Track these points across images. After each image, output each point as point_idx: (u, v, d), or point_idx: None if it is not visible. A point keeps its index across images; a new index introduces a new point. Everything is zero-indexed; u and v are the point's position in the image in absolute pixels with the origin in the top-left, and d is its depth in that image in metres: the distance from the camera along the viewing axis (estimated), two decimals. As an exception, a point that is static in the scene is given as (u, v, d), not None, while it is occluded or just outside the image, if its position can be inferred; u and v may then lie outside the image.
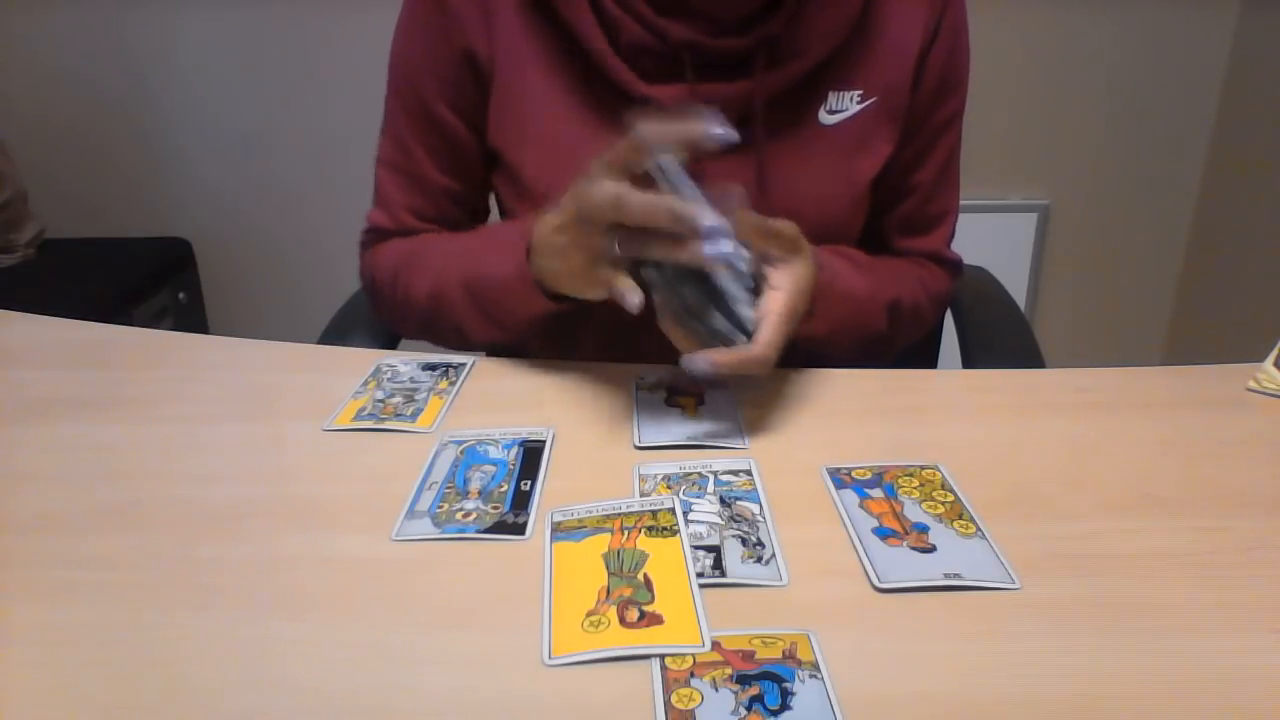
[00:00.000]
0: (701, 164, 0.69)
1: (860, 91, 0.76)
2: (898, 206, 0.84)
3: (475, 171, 0.83)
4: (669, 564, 0.50)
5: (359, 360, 0.76)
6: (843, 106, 0.76)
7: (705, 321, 0.61)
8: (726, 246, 0.57)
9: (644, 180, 0.59)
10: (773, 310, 0.62)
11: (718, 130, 0.57)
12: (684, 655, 0.44)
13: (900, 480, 0.58)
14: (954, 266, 0.88)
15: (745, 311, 0.62)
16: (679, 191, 0.58)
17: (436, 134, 0.80)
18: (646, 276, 0.61)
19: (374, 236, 0.85)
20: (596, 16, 0.72)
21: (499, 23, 0.75)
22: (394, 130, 0.82)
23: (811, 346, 0.72)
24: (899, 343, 0.83)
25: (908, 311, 0.81)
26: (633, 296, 0.60)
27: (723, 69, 0.72)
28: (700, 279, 0.61)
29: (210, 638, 0.46)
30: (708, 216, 0.56)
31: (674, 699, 0.41)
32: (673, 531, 0.53)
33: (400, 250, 0.81)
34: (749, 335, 0.61)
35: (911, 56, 0.76)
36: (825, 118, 0.76)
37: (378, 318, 0.87)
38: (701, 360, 0.60)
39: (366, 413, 0.67)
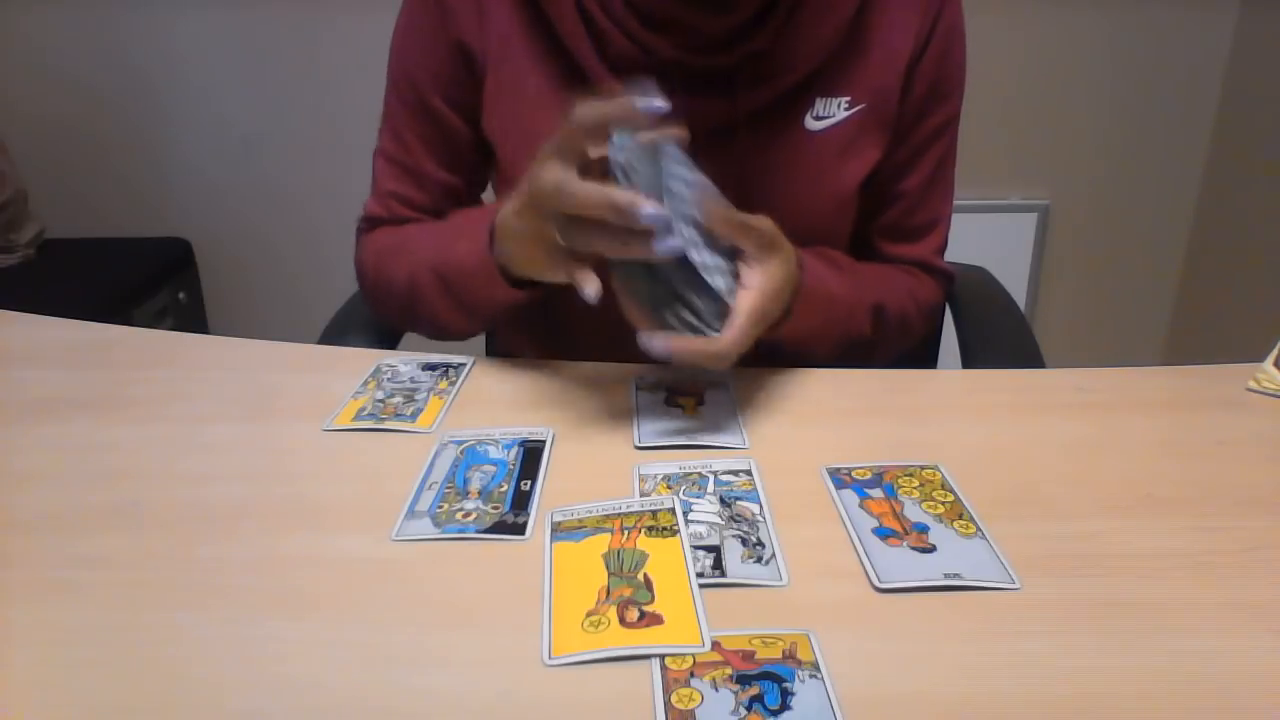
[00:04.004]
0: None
1: (848, 98, 0.76)
2: (884, 213, 0.83)
3: (468, 163, 0.83)
4: (669, 564, 0.50)
5: (359, 360, 0.76)
6: (830, 113, 0.76)
7: (672, 309, 0.60)
8: (676, 240, 0.55)
9: (601, 165, 0.57)
10: (741, 310, 0.61)
11: (652, 103, 0.55)
12: (684, 655, 0.44)
13: (900, 480, 0.58)
14: (944, 277, 0.87)
15: (721, 283, 0.60)
16: (634, 177, 0.56)
17: (431, 125, 0.81)
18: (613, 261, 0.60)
19: (368, 224, 0.86)
20: (586, 27, 0.72)
21: (492, 20, 0.76)
22: (391, 122, 0.83)
23: (791, 348, 0.72)
24: (885, 350, 0.82)
25: (893, 318, 0.80)
26: (589, 287, 0.59)
27: (710, 83, 0.72)
28: (680, 263, 0.59)
29: (210, 638, 0.46)
30: (648, 208, 0.54)
31: (674, 699, 0.41)
32: (673, 531, 0.53)
33: (386, 238, 0.82)
34: (713, 328, 0.60)
35: (901, 63, 0.76)
36: (812, 124, 0.76)
37: (366, 305, 0.87)
38: (660, 343, 0.59)
39: (366, 413, 0.67)
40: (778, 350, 0.70)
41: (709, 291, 0.60)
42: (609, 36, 0.71)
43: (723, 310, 0.61)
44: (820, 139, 0.76)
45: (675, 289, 0.60)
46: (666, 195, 0.58)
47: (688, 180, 0.60)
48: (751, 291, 0.62)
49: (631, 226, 0.55)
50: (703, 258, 0.60)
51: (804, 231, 0.69)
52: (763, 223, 0.63)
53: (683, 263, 0.59)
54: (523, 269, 0.67)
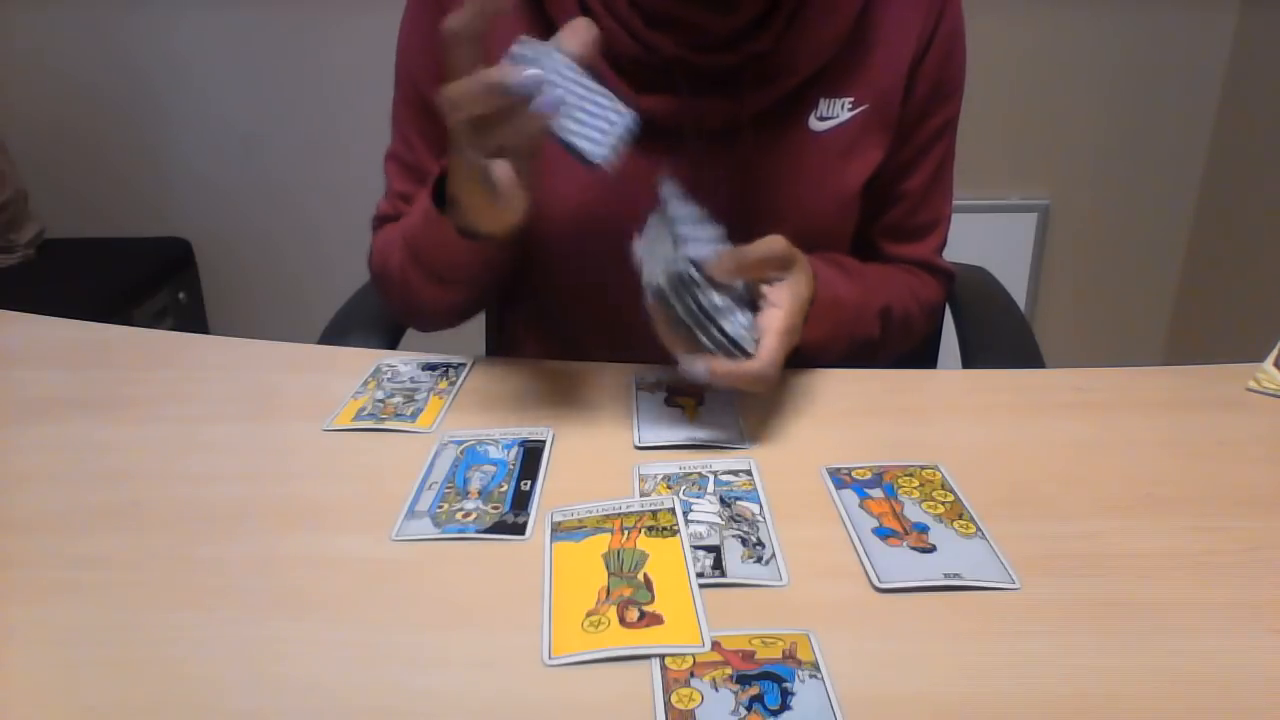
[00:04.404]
0: (690, 173, 0.69)
1: (851, 99, 0.76)
2: (886, 213, 0.83)
3: None
4: (669, 564, 0.50)
5: (359, 360, 0.76)
6: (833, 114, 0.76)
7: (706, 332, 0.61)
8: (557, 91, 0.55)
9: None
10: (772, 327, 0.62)
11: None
12: (684, 655, 0.44)
13: (900, 480, 0.58)
14: (945, 276, 0.88)
15: (741, 330, 0.61)
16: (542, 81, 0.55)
17: (433, 124, 0.80)
18: (648, 283, 0.61)
19: (378, 223, 0.86)
20: None
21: (494, 20, 0.76)
22: (399, 123, 0.83)
23: (803, 352, 0.72)
24: (889, 351, 0.83)
25: (898, 319, 0.81)
26: (508, 192, 0.56)
27: (714, 82, 0.72)
28: (696, 295, 0.60)
29: (210, 637, 0.46)
30: (514, 76, 0.53)
31: (674, 699, 0.41)
32: (673, 531, 0.53)
33: (390, 233, 0.82)
34: (747, 352, 0.61)
35: (904, 64, 0.76)
36: (815, 124, 0.76)
37: (380, 301, 0.87)
38: (700, 366, 0.60)
39: (366, 413, 0.67)
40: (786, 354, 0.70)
41: (729, 332, 0.61)
42: (613, 36, 0.71)
43: (752, 334, 0.62)
44: (824, 140, 0.76)
45: (708, 310, 0.60)
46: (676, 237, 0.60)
47: (697, 237, 0.61)
48: (780, 310, 0.63)
49: (511, 100, 0.54)
50: (719, 304, 0.61)
51: (807, 232, 0.69)
52: (775, 244, 0.63)
53: (706, 300, 0.60)
54: (469, 215, 0.65)
